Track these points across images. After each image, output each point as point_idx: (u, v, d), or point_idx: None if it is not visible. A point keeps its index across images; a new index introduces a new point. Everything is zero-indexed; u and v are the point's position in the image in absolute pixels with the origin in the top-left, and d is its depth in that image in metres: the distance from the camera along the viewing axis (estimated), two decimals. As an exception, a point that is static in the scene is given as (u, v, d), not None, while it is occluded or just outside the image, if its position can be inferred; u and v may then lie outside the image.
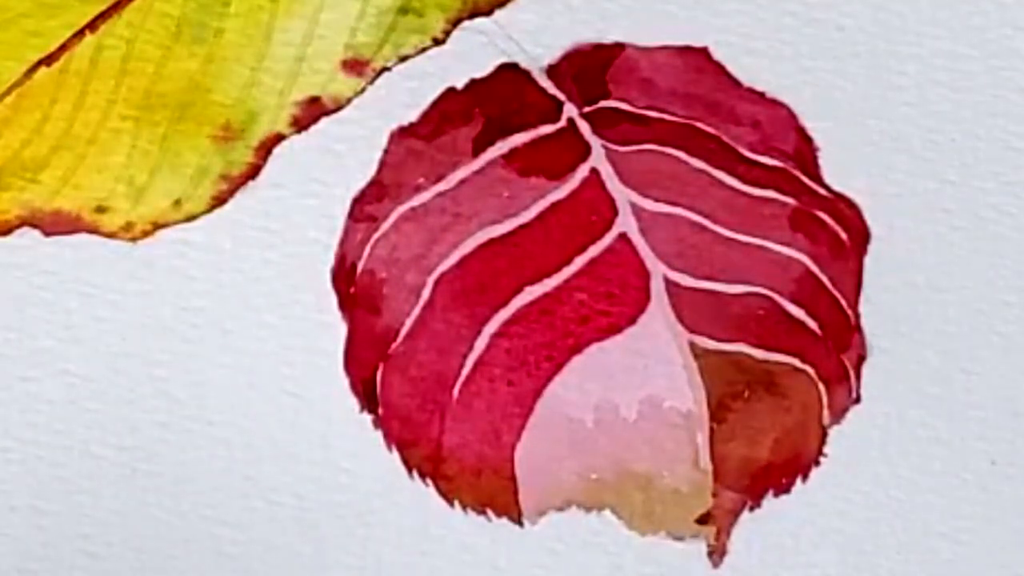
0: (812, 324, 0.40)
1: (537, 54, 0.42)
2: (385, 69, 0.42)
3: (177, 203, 0.41)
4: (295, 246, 0.41)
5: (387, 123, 0.41)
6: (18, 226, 0.41)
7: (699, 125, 0.41)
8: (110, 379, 0.40)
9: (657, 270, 0.41)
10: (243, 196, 0.41)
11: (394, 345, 0.40)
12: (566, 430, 0.40)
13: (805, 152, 0.41)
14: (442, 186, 0.41)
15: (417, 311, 0.40)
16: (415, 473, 0.40)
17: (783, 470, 0.40)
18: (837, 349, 0.40)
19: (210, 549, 0.39)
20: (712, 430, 0.40)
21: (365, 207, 0.41)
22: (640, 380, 0.40)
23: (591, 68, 0.42)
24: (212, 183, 0.41)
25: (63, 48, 0.41)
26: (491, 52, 0.42)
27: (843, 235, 0.41)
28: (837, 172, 0.41)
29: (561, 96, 0.41)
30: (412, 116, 0.41)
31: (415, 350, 0.40)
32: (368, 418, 0.40)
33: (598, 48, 0.42)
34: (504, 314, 0.40)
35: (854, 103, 0.41)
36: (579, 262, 0.41)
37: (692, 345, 0.40)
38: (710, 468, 0.40)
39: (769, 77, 0.41)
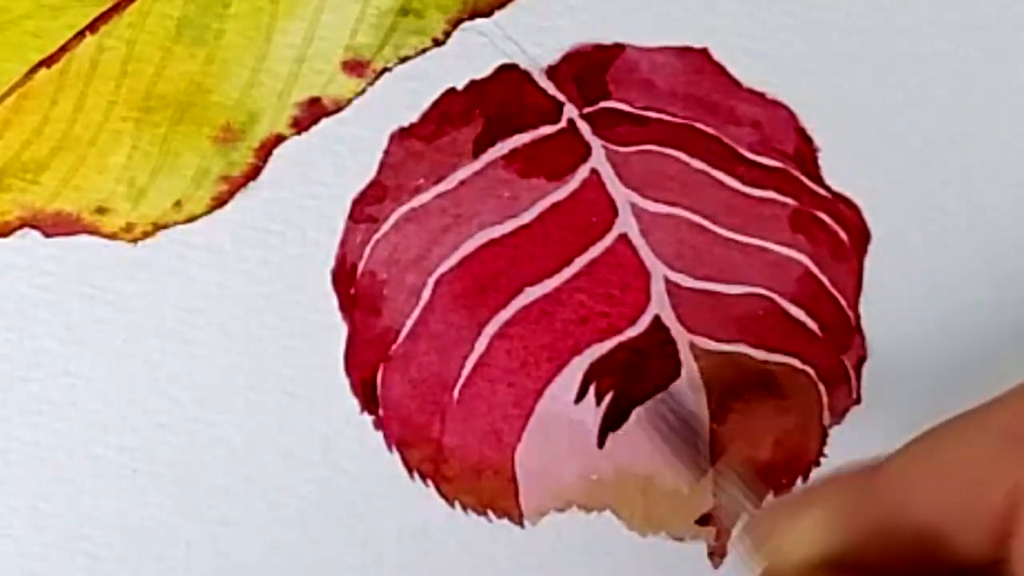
0: (812, 325, 0.40)
1: (537, 55, 0.42)
2: (385, 70, 0.42)
3: (177, 204, 0.41)
4: (295, 247, 0.41)
5: (387, 124, 0.41)
6: (19, 227, 0.41)
7: (699, 125, 0.41)
8: (110, 379, 0.40)
9: (657, 271, 0.41)
10: (243, 197, 0.41)
11: (394, 346, 0.40)
12: (566, 431, 0.40)
13: (805, 152, 0.41)
14: (442, 187, 0.41)
15: (417, 312, 0.40)
16: (415, 474, 0.40)
17: (783, 470, 0.40)
18: (837, 350, 0.40)
19: (210, 549, 0.39)
20: (712, 430, 0.40)
21: (365, 208, 0.41)
22: (640, 380, 0.40)
23: (591, 69, 0.42)
24: (212, 184, 0.41)
25: (64, 49, 0.41)
26: (491, 53, 0.42)
27: (843, 235, 0.41)
28: (837, 172, 0.41)
29: (561, 97, 0.41)
30: (412, 117, 0.41)
31: (415, 351, 0.40)
32: (369, 419, 0.40)
33: (598, 49, 0.42)
34: (504, 315, 0.40)
35: (854, 103, 0.41)
36: (579, 263, 0.41)
37: (692, 346, 0.40)
38: (710, 468, 0.40)
39: (769, 77, 0.41)
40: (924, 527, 0.30)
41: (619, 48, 0.42)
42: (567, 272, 0.41)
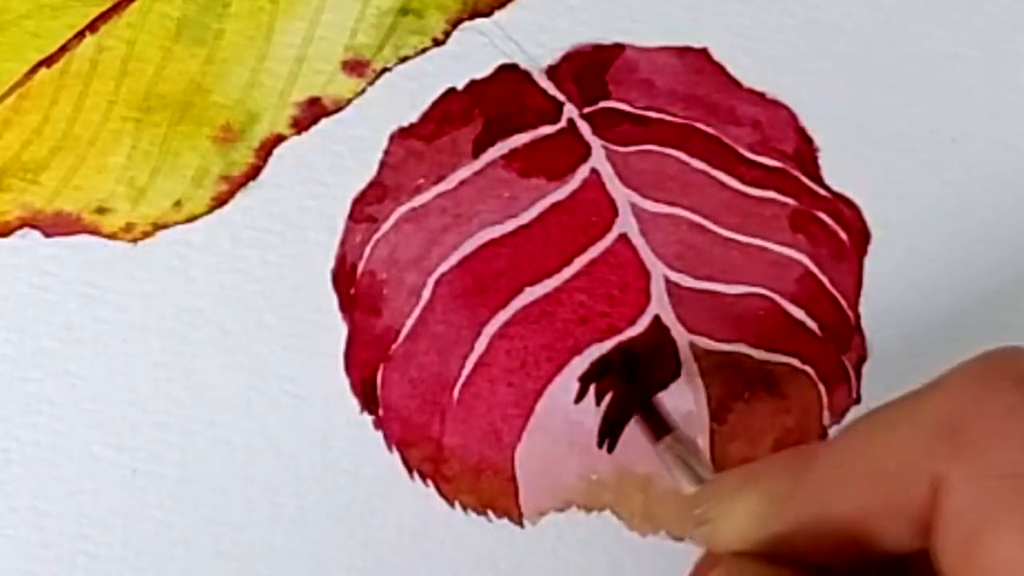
0: (812, 324, 0.40)
1: (537, 55, 0.42)
2: (385, 70, 0.42)
3: (177, 204, 0.41)
4: (295, 246, 0.41)
5: (387, 124, 0.41)
6: (19, 227, 0.41)
7: (699, 125, 0.41)
8: (110, 379, 0.40)
9: (657, 271, 0.41)
10: (243, 197, 0.41)
11: (394, 346, 0.40)
12: (566, 431, 0.40)
13: (805, 152, 0.41)
14: (442, 187, 0.41)
15: (417, 312, 0.40)
16: (415, 474, 0.40)
17: (783, 470, 0.40)
18: (837, 350, 0.40)
19: (210, 549, 0.39)
20: (712, 430, 0.40)
21: (365, 208, 0.41)
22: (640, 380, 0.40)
23: (591, 69, 0.42)
24: (212, 184, 0.41)
25: (63, 49, 0.41)
26: (491, 53, 0.42)
27: (843, 235, 0.41)
28: (837, 172, 0.41)
29: (561, 97, 0.41)
30: (412, 117, 0.41)
31: (415, 351, 0.40)
32: (369, 419, 0.40)
33: (598, 49, 0.42)
34: (504, 315, 0.40)
35: (854, 103, 0.41)
36: (579, 263, 0.41)
37: (692, 345, 0.40)
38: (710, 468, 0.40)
39: (769, 77, 0.41)
40: (852, 516, 0.31)
41: (619, 48, 0.42)
42: (567, 272, 0.41)
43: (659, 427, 0.37)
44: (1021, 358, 0.31)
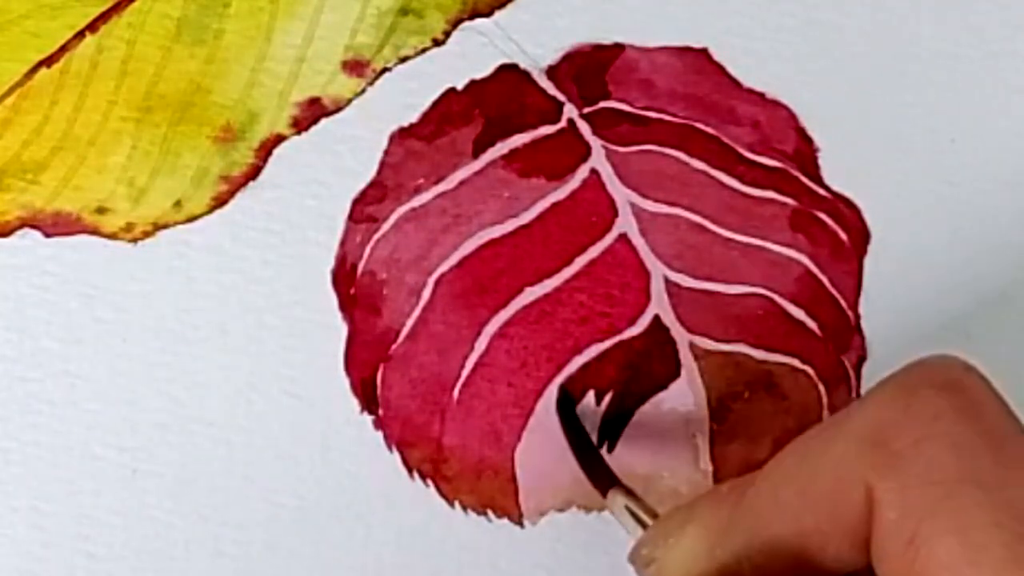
0: (812, 324, 0.40)
1: (537, 55, 0.42)
2: (385, 70, 0.42)
3: (177, 204, 0.41)
4: (295, 246, 0.41)
5: (387, 124, 0.41)
6: (19, 227, 0.41)
7: (699, 126, 0.41)
8: (110, 379, 0.40)
9: (657, 271, 0.41)
10: (243, 197, 0.41)
11: (394, 346, 0.40)
12: (566, 431, 0.40)
13: (805, 152, 0.41)
14: (442, 187, 0.41)
15: (417, 312, 0.40)
16: (415, 474, 0.40)
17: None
18: (837, 350, 0.40)
19: (210, 549, 0.39)
20: (712, 430, 0.40)
21: (365, 208, 0.41)
22: (640, 380, 0.40)
23: (591, 69, 0.42)
24: (212, 184, 0.41)
25: (63, 49, 0.41)
26: (491, 53, 0.42)
27: (843, 235, 0.41)
28: (837, 172, 0.41)
29: (561, 97, 0.41)
30: (412, 117, 0.41)
31: (415, 351, 0.40)
32: (369, 419, 0.40)
33: (598, 49, 0.42)
34: (504, 315, 0.40)
35: (854, 103, 0.41)
36: (579, 263, 0.41)
37: (692, 345, 0.40)
38: (710, 468, 0.40)
39: (769, 77, 0.41)
40: (792, 538, 0.31)
41: (619, 48, 0.42)
42: (567, 272, 0.41)
43: (605, 479, 0.37)
44: (946, 366, 0.31)
